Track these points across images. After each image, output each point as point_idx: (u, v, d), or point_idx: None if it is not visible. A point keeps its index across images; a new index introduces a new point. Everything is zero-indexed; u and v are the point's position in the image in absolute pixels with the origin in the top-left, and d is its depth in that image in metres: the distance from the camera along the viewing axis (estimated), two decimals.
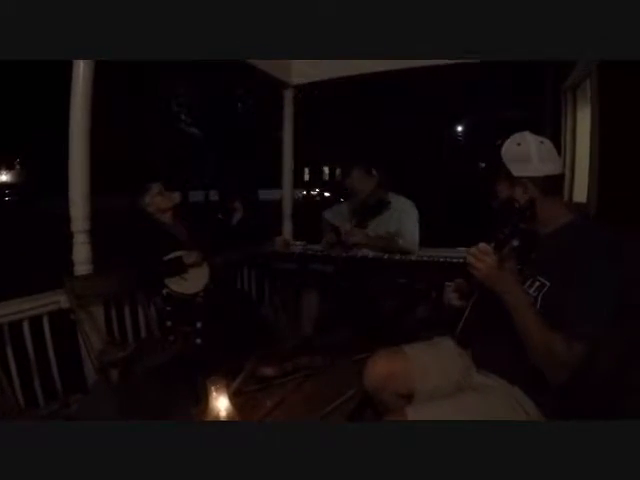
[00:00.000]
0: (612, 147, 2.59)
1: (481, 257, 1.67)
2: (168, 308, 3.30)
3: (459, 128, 30.32)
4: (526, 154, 1.80)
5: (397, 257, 3.87)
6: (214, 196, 24.03)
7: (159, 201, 3.45)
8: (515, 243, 1.73)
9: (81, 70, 2.85)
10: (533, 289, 1.76)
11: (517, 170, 1.81)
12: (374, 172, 4.13)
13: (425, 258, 3.96)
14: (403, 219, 4.04)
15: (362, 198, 4.13)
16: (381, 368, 2.10)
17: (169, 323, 3.28)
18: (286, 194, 5.32)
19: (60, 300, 2.83)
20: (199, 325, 3.23)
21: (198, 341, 3.18)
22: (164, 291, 3.28)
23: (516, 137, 1.85)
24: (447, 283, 2.17)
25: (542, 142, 1.83)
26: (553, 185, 1.84)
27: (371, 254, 3.95)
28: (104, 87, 3.05)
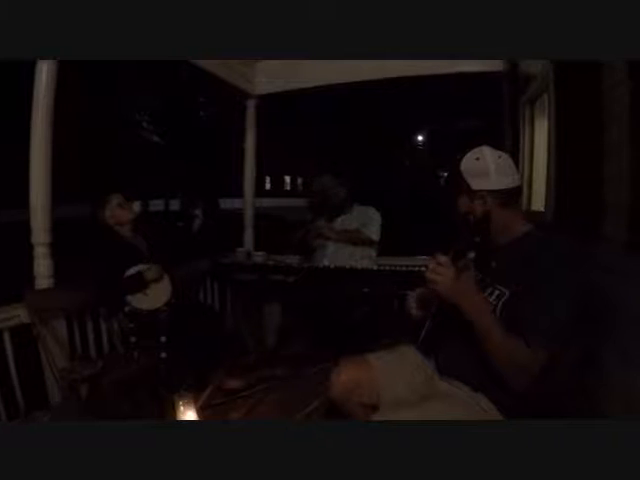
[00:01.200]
0: (568, 158, 2.65)
1: (439, 269, 1.71)
2: (131, 325, 3.23)
3: (420, 137, 30.76)
4: (484, 168, 1.85)
5: (359, 267, 3.93)
6: (175, 205, 23.77)
7: (119, 214, 3.38)
8: (470, 255, 1.77)
9: (44, 75, 2.80)
10: (493, 297, 1.79)
11: (476, 184, 1.85)
12: (338, 176, 4.39)
13: (387, 267, 4.01)
14: (367, 216, 4.32)
15: (327, 199, 4.33)
16: (346, 378, 2.10)
17: (133, 339, 3.21)
18: (247, 203, 5.31)
19: (21, 315, 2.76)
20: (163, 339, 3.15)
21: (163, 355, 3.11)
22: (126, 308, 3.20)
23: (475, 152, 1.90)
24: (410, 292, 2.19)
25: (500, 156, 1.88)
26: (511, 197, 1.88)
27: (333, 264, 4.01)
28: (66, 93, 2.98)
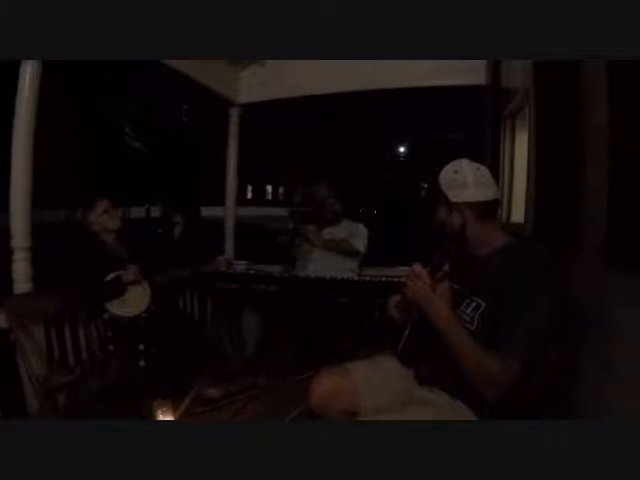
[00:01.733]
0: (548, 170, 2.68)
1: (414, 280, 1.74)
2: (109, 332, 3.20)
3: (401, 149, 30.85)
4: (463, 181, 1.87)
5: (339, 277, 3.95)
6: (156, 212, 23.55)
7: (105, 220, 3.35)
8: (445, 268, 1.79)
9: (27, 78, 2.79)
10: (470, 309, 1.82)
11: (454, 196, 1.88)
12: (332, 187, 4.50)
13: (367, 278, 4.04)
14: (355, 229, 4.43)
15: (322, 210, 4.43)
16: (325, 387, 2.10)
17: (111, 346, 3.18)
18: (229, 212, 5.31)
19: None
20: (142, 347, 3.13)
21: (141, 363, 3.08)
22: (105, 315, 3.18)
23: (453, 164, 1.93)
24: (391, 297, 2.21)
25: (478, 168, 1.91)
26: (489, 209, 1.91)
27: (313, 274, 4.03)
28: (47, 98, 2.94)
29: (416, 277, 1.76)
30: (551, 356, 1.83)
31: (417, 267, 1.79)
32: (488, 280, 1.82)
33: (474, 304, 1.82)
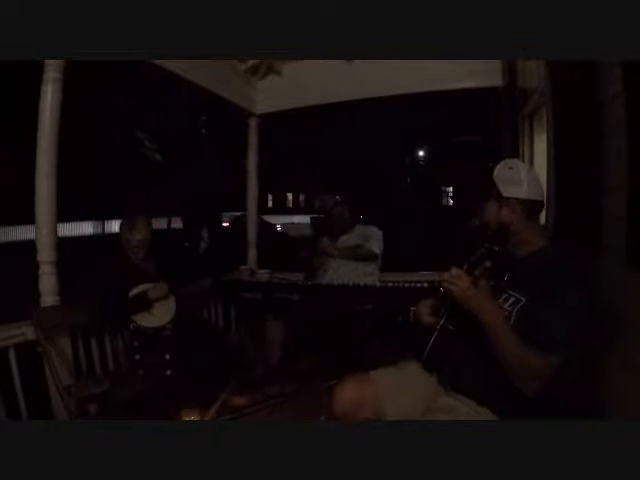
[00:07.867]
0: (567, 170, 2.67)
1: (454, 281, 1.75)
2: (135, 343, 3.24)
3: (420, 153, 30.75)
4: (517, 177, 1.90)
5: (362, 284, 3.94)
6: (177, 223, 23.64)
7: (133, 236, 3.34)
8: (488, 264, 1.80)
9: (50, 90, 2.84)
10: (508, 304, 1.83)
11: (507, 191, 1.90)
12: (338, 197, 4.48)
13: (390, 283, 4.03)
14: (368, 233, 4.42)
15: (330, 219, 4.44)
16: (349, 394, 2.11)
17: (138, 357, 3.22)
18: (250, 221, 5.33)
19: (26, 332, 2.76)
20: (168, 357, 3.17)
21: (168, 373, 3.12)
22: (131, 326, 3.21)
23: (507, 162, 1.98)
24: (421, 301, 2.21)
25: (530, 170, 1.97)
26: (535, 210, 1.95)
27: (336, 281, 4.03)
28: (66, 109, 2.97)
29: (455, 278, 1.78)
30: (582, 354, 1.83)
31: (454, 269, 1.80)
32: (527, 277, 1.84)
33: (512, 299, 1.83)
